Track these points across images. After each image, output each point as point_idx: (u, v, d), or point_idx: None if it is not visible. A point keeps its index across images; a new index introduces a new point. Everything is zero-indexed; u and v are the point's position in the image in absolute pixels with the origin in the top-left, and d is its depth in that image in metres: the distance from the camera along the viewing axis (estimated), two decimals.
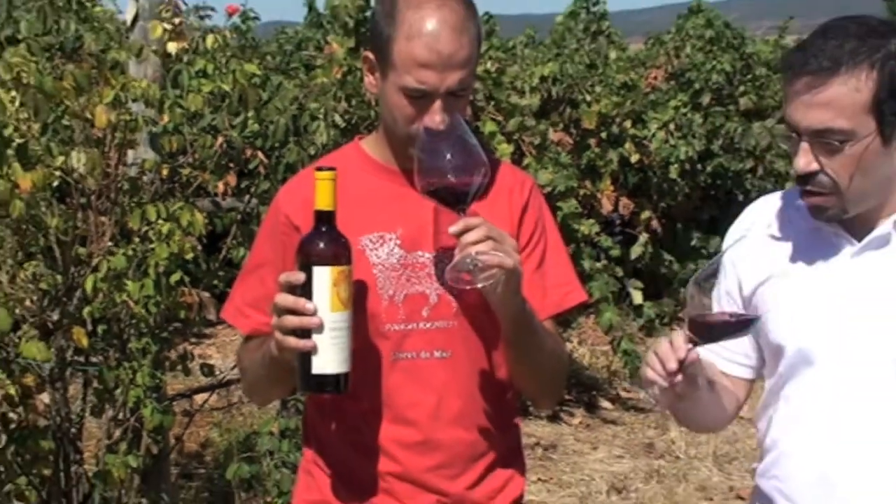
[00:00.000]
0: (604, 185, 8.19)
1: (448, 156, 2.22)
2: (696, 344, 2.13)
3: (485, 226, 2.19)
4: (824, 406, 2.21)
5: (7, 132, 3.91)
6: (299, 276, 2.17)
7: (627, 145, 8.68)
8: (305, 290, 2.16)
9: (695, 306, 2.14)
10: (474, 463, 2.48)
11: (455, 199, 2.23)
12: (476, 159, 2.23)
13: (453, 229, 2.20)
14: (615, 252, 7.48)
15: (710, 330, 2.16)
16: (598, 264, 7.17)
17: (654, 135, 9.29)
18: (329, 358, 2.19)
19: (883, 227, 2.19)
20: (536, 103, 7.81)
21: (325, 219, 2.21)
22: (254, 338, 2.49)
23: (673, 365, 2.13)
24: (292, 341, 2.17)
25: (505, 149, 6.87)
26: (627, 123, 8.88)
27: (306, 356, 2.19)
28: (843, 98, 2.08)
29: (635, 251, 8.74)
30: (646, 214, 9.09)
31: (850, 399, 2.18)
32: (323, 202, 2.21)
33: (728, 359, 2.40)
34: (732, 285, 2.38)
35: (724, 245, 2.36)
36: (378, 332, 2.39)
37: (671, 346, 2.14)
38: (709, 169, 9.97)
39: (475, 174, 2.22)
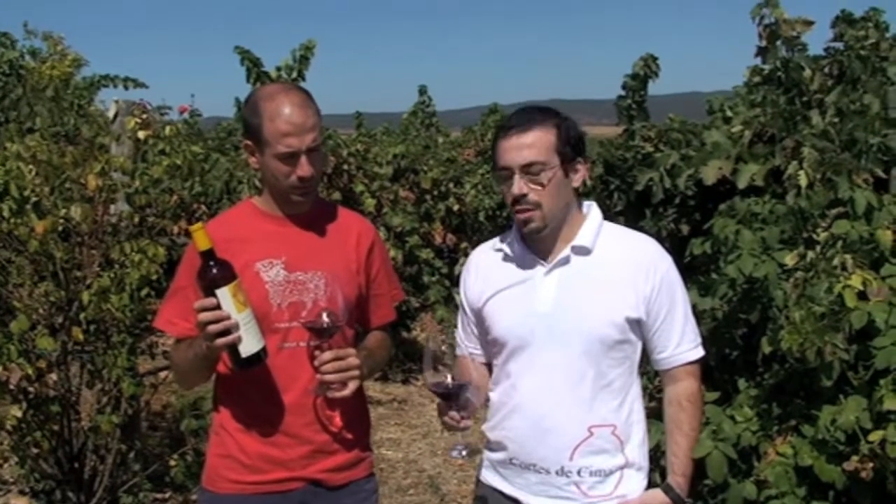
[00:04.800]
0: (436, 226, 8.21)
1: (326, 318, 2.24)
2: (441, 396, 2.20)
3: (333, 361, 2.22)
4: (534, 377, 2.22)
5: (26, 193, 3.85)
6: (210, 301, 2.10)
7: (451, 199, 8.74)
8: (217, 305, 2.10)
9: (434, 380, 2.18)
10: (332, 420, 2.37)
11: (318, 335, 2.26)
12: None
13: (316, 364, 2.23)
14: (444, 270, 7.53)
15: (447, 396, 2.19)
16: (434, 279, 7.26)
17: (468, 192, 9.42)
18: (248, 342, 2.14)
19: (563, 252, 2.22)
20: (390, 172, 7.82)
21: (208, 256, 2.12)
22: (182, 340, 2.34)
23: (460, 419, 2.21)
24: (221, 340, 2.11)
25: (370, 202, 6.90)
26: (451, 184, 8.96)
27: (234, 347, 2.14)
28: (539, 140, 2.17)
29: (457, 269, 8.79)
30: (464, 245, 9.14)
31: (550, 370, 2.20)
32: (202, 245, 2.12)
33: (473, 355, 2.39)
34: (467, 307, 2.38)
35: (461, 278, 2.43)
36: (269, 328, 2.26)
37: (450, 416, 2.21)
38: (504, 214, 10.10)
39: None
